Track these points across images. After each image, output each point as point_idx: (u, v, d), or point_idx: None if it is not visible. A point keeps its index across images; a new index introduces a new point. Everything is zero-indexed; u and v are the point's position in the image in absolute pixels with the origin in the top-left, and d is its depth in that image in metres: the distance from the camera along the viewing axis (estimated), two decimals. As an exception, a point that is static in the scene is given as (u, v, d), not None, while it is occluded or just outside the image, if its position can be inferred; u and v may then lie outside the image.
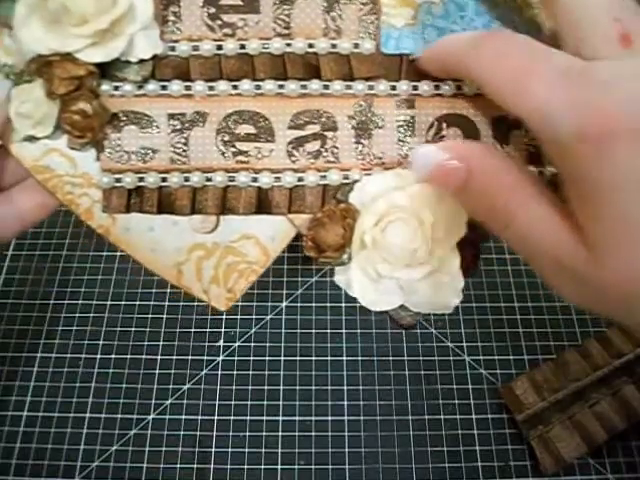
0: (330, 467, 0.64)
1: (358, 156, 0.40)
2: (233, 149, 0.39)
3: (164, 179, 0.39)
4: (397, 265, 0.38)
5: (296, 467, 0.64)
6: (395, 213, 0.37)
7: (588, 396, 0.65)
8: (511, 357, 0.70)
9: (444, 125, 0.40)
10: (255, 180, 0.39)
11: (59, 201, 0.40)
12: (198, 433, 0.66)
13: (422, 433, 0.66)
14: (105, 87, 0.39)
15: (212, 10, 0.39)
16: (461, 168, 0.35)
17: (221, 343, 0.71)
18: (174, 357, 0.70)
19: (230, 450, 0.65)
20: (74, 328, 0.67)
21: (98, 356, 0.70)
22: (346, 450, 0.65)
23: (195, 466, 0.64)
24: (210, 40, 0.39)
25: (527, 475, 0.64)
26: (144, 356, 0.70)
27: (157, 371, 0.69)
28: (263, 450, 0.65)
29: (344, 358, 0.70)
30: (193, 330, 0.72)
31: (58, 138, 0.39)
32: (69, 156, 0.40)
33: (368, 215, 0.38)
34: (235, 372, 0.69)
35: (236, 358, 0.70)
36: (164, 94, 0.39)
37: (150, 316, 0.72)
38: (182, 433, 0.66)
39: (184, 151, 0.39)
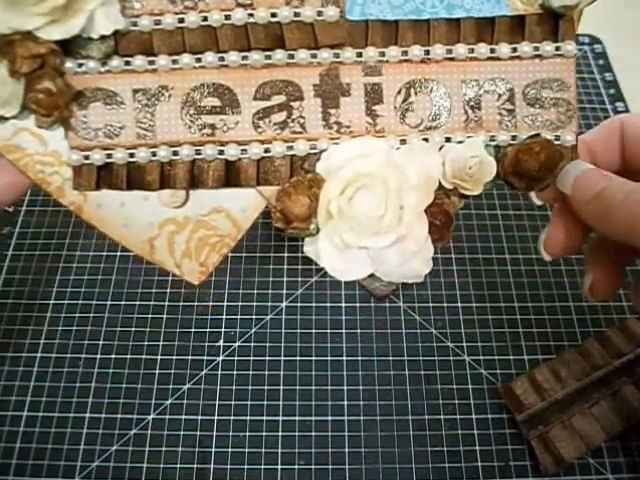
0: (330, 467, 0.63)
1: (325, 125, 0.39)
2: (199, 122, 0.39)
3: (132, 154, 0.39)
4: (364, 234, 0.37)
5: (296, 467, 0.63)
6: (360, 180, 0.37)
7: (588, 396, 0.64)
8: (511, 357, 0.69)
9: (412, 91, 0.39)
10: (222, 153, 0.39)
11: (30, 180, 0.40)
12: (198, 433, 0.65)
13: (422, 433, 0.65)
14: (69, 65, 0.39)
15: None
16: (603, 177, 0.38)
17: (221, 343, 0.71)
18: (174, 357, 0.70)
19: (230, 450, 0.64)
20: (74, 328, 0.67)
21: (98, 356, 0.69)
22: (346, 450, 0.64)
23: (195, 466, 0.63)
24: (172, 13, 0.39)
25: (527, 475, 0.63)
26: (144, 356, 0.70)
27: (157, 371, 0.69)
28: (263, 450, 0.64)
29: (344, 358, 0.69)
30: (193, 330, 0.71)
31: (26, 118, 0.39)
32: (39, 135, 0.40)
33: (333, 183, 0.37)
34: (235, 372, 0.69)
35: (236, 358, 0.70)
36: (128, 70, 0.39)
37: (150, 316, 0.72)
38: (182, 433, 0.65)
39: (150, 126, 0.39)
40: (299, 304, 0.67)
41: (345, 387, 0.68)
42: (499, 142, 0.41)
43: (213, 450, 0.65)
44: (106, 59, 0.40)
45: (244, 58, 0.40)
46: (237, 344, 0.71)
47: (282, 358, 0.69)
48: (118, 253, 0.68)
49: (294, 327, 0.66)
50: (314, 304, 0.67)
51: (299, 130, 0.40)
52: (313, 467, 0.64)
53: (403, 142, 0.40)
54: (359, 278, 0.40)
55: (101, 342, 0.70)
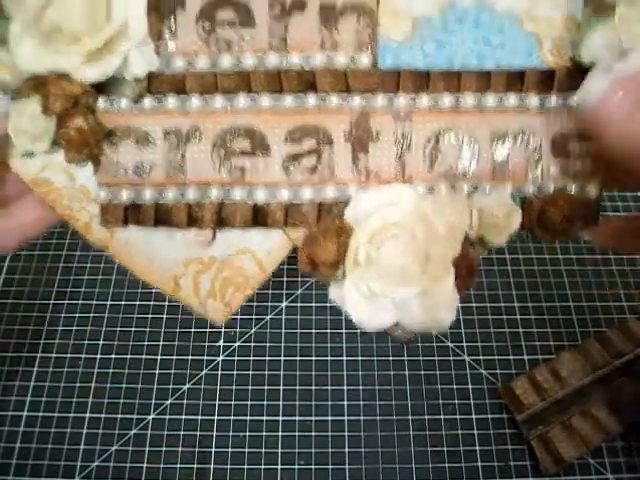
0: (330, 467, 0.64)
1: (354, 171, 0.39)
2: (229, 164, 0.39)
3: (161, 194, 0.39)
4: (390, 283, 0.38)
5: (296, 467, 0.64)
6: (388, 230, 0.37)
7: (588, 396, 0.65)
8: (511, 357, 0.70)
9: (441, 140, 0.40)
10: (251, 195, 0.39)
11: (57, 215, 0.41)
12: (198, 433, 0.66)
13: (422, 433, 0.66)
14: (101, 103, 0.38)
15: (207, 24, 0.39)
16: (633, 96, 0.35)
17: (221, 343, 0.71)
18: (174, 357, 0.70)
19: (230, 450, 0.65)
20: (74, 328, 0.67)
21: (98, 356, 0.70)
22: (346, 450, 0.65)
23: (195, 466, 0.64)
24: (205, 55, 0.39)
25: (527, 475, 0.64)
26: (144, 356, 0.70)
27: (157, 371, 0.69)
28: (263, 450, 0.65)
29: (344, 358, 0.70)
30: (193, 330, 0.72)
31: (56, 152, 0.39)
32: (68, 170, 0.40)
33: (362, 232, 0.38)
34: (235, 372, 0.69)
35: (236, 358, 0.70)
36: (160, 109, 0.39)
37: (150, 316, 0.72)
38: (182, 433, 0.66)
39: (180, 166, 0.39)
40: (299, 304, 0.68)
41: (345, 387, 0.69)
42: (525, 193, 0.41)
43: (213, 450, 0.65)
44: (139, 99, 0.39)
45: (276, 101, 0.40)
46: (237, 344, 0.71)
47: (282, 358, 0.70)
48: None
49: (294, 327, 0.67)
50: (314, 304, 0.68)
51: (328, 175, 0.40)
52: (313, 467, 0.64)
53: (431, 190, 0.41)
54: (384, 326, 0.40)
55: (101, 342, 0.71)
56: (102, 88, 0.39)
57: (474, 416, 0.67)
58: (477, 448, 0.66)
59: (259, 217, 0.41)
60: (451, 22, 0.40)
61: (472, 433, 0.66)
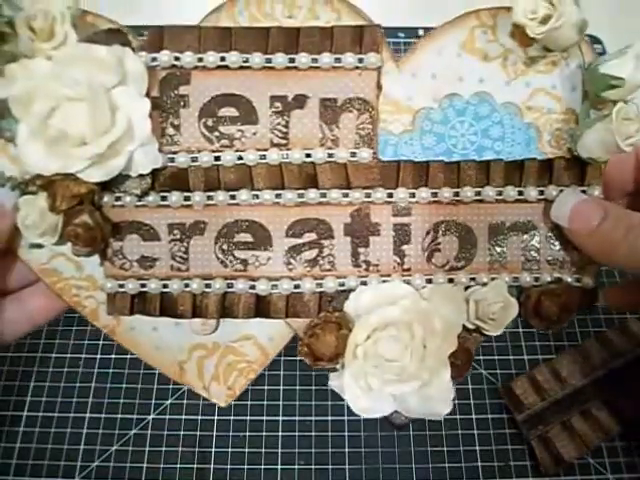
0: (330, 467, 0.64)
1: (354, 263, 0.40)
2: (231, 257, 0.40)
3: (165, 285, 0.40)
4: (388, 379, 0.39)
5: (296, 467, 0.64)
6: (386, 329, 0.38)
7: (588, 396, 0.65)
8: (511, 357, 0.70)
9: (440, 232, 0.40)
10: (253, 287, 0.40)
11: (65, 303, 0.42)
12: (198, 433, 0.66)
13: (422, 433, 0.66)
14: (106, 199, 0.39)
15: (210, 122, 0.39)
16: (600, 208, 0.38)
17: None
18: None
19: (230, 450, 0.65)
20: (74, 328, 0.68)
21: (98, 356, 0.69)
22: (346, 450, 0.65)
23: (195, 466, 0.64)
24: (208, 151, 0.39)
25: (527, 475, 0.64)
26: None
27: (157, 371, 0.68)
28: (263, 450, 0.65)
29: None
30: None
31: (64, 244, 0.40)
32: (74, 260, 0.41)
33: (361, 328, 0.38)
34: None
35: None
36: (164, 205, 0.40)
37: None
38: (182, 433, 0.66)
39: (184, 259, 0.40)
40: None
41: None
42: (522, 283, 0.42)
43: (213, 450, 0.65)
44: (143, 195, 0.40)
45: (277, 196, 0.41)
46: None
47: (282, 358, 0.68)
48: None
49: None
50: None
51: (328, 268, 0.41)
52: (313, 467, 0.64)
53: (429, 281, 0.41)
54: (382, 416, 0.42)
55: (101, 342, 0.70)
56: (107, 183, 0.40)
57: (474, 416, 0.67)
58: (477, 448, 0.65)
59: (261, 307, 0.42)
60: (451, 115, 0.41)
61: (472, 433, 0.66)
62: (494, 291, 0.40)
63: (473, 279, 0.40)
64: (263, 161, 0.39)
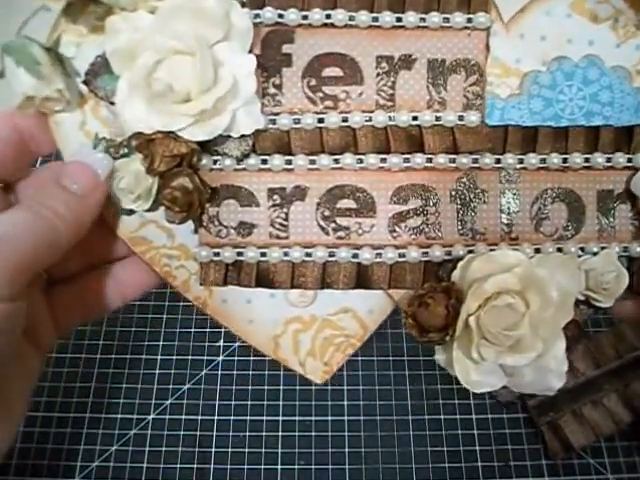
0: (330, 467, 0.64)
1: (460, 231, 0.39)
2: (333, 224, 0.38)
3: (264, 254, 0.38)
4: (502, 350, 0.37)
5: (296, 467, 0.64)
6: (501, 297, 0.37)
7: (599, 387, 0.65)
8: None
9: (548, 199, 0.39)
10: (356, 256, 0.38)
11: (159, 276, 0.40)
12: (198, 433, 0.65)
13: (422, 433, 0.66)
14: (204, 161, 0.37)
15: (313, 82, 0.38)
16: None
17: (221, 343, 0.70)
18: (174, 357, 0.69)
19: (230, 450, 0.65)
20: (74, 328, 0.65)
21: (98, 356, 0.69)
22: (346, 450, 0.65)
23: (195, 466, 0.64)
24: (311, 113, 0.38)
25: (527, 475, 0.64)
26: (144, 356, 0.69)
27: (157, 371, 0.69)
28: (263, 450, 0.65)
29: None
30: (193, 330, 0.71)
31: (156, 209, 0.38)
32: (166, 227, 0.39)
33: (473, 298, 0.37)
34: (235, 372, 0.69)
35: (236, 358, 0.70)
36: (264, 168, 0.38)
37: (150, 316, 0.71)
38: (182, 433, 0.65)
39: (284, 226, 0.38)
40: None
41: (345, 387, 0.68)
42: (632, 253, 0.41)
43: (213, 450, 0.65)
44: (243, 158, 0.38)
45: (383, 161, 0.39)
46: (237, 344, 0.70)
47: None
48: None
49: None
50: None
51: (434, 235, 0.39)
52: (313, 467, 0.64)
53: (537, 251, 0.40)
54: (491, 390, 0.40)
55: (101, 342, 0.70)
56: (205, 144, 0.38)
57: (474, 416, 0.67)
58: (477, 448, 0.65)
59: (362, 278, 0.40)
60: (559, 79, 0.39)
61: (472, 433, 0.66)
62: (606, 260, 0.39)
63: (582, 249, 0.38)
64: (368, 123, 0.37)
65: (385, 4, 0.38)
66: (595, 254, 0.40)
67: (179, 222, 0.39)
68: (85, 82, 0.38)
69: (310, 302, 0.40)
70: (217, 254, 0.39)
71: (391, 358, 0.67)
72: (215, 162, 0.39)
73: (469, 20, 0.39)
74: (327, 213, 0.39)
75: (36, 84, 0.37)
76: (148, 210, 0.39)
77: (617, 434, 0.62)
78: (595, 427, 0.63)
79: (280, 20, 0.38)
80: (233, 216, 0.39)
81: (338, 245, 0.39)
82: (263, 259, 0.39)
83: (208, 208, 0.39)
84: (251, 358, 0.66)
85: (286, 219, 0.39)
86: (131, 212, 0.39)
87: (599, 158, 0.39)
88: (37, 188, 0.36)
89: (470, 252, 0.39)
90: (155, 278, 0.41)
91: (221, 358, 0.68)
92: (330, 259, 0.39)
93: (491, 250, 0.39)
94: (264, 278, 0.40)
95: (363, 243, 0.39)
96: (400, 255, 0.39)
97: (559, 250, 0.40)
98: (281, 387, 0.66)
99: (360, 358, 0.67)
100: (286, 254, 0.39)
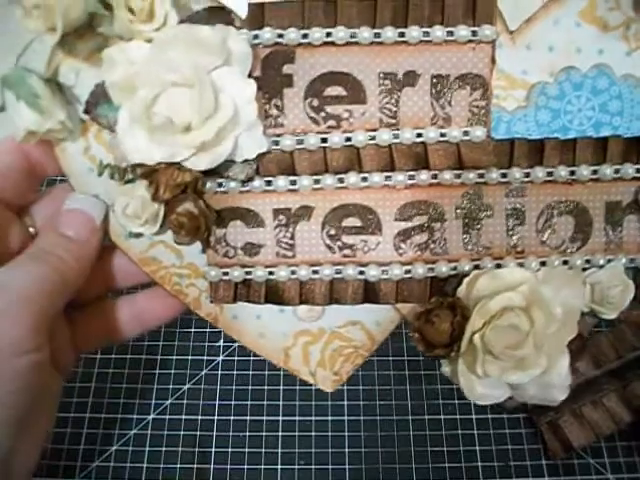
0: (330, 467, 0.64)
1: (466, 246, 0.39)
2: (339, 243, 0.39)
3: (271, 272, 0.39)
4: (507, 367, 0.38)
5: (296, 467, 0.64)
6: (505, 315, 0.37)
7: (599, 387, 0.65)
8: None
9: (555, 212, 0.39)
10: (362, 273, 0.39)
11: (180, 308, 0.41)
12: (198, 433, 0.65)
13: (422, 433, 0.66)
14: (209, 185, 0.38)
15: (316, 102, 0.38)
16: None
17: (221, 343, 0.70)
18: (174, 357, 0.69)
19: (230, 450, 0.65)
20: None
21: (98, 356, 0.69)
22: (346, 450, 0.65)
23: (195, 466, 0.64)
24: (314, 133, 0.38)
25: (527, 475, 0.64)
26: (144, 356, 0.69)
27: (157, 371, 0.68)
28: (263, 450, 0.65)
29: None
30: (193, 330, 0.71)
31: (164, 233, 0.39)
32: (174, 247, 0.39)
33: (478, 315, 0.37)
34: (235, 372, 0.69)
35: (236, 358, 0.69)
36: (269, 190, 0.38)
37: None
38: (182, 433, 0.65)
39: (290, 245, 0.39)
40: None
41: (345, 387, 0.68)
42: (638, 265, 0.41)
43: (213, 450, 0.65)
44: (248, 181, 0.39)
45: (387, 179, 0.39)
46: (237, 344, 0.70)
47: None
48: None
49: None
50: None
51: (440, 251, 0.39)
52: (313, 467, 0.64)
53: (543, 264, 0.40)
54: (497, 402, 0.41)
55: None
56: (210, 171, 0.38)
57: (474, 416, 0.67)
58: (477, 448, 0.65)
59: (370, 293, 0.40)
60: (567, 89, 0.39)
61: (472, 433, 0.66)
62: (612, 274, 0.39)
63: (589, 261, 0.38)
64: (372, 142, 0.37)
65: (388, 19, 0.37)
66: (601, 266, 0.40)
67: (187, 244, 0.40)
68: (86, 111, 0.38)
69: (318, 317, 0.41)
70: (226, 273, 0.40)
71: (391, 358, 0.67)
72: (220, 185, 0.39)
73: (474, 33, 0.38)
74: (333, 232, 0.39)
75: (37, 119, 0.37)
76: (156, 233, 0.39)
77: (617, 434, 0.61)
78: (595, 427, 0.63)
79: (280, 40, 0.38)
80: (240, 237, 0.40)
81: (344, 263, 0.40)
82: (271, 277, 0.40)
83: (215, 230, 0.39)
84: (251, 358, 0.67)
85: (292, 238, 0.39)
86: (139, 235, 0.40)
87: (607, 170, 0.39)
88: (40, 237, 0.38)
89: (476, 267, 0.40)
90: (176, 308, 0.42)
91: (221, 358, 0.68)
92: (337, 276, 0.40)
93: (497, 264, 0.39)
94: (273, 295, 0.40)
95: (369, 260, 0.40)
96: (406, 271, 0.40)
97: (565, 262, 0.40)
98: (281, 387, 0.66)
99: (360, 358, 0.65)
100: (293, 272, 0.40)
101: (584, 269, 0.40)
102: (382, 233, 0.39)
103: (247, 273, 0.39)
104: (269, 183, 0.38)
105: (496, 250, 0.40)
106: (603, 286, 0.39)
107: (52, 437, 0.62)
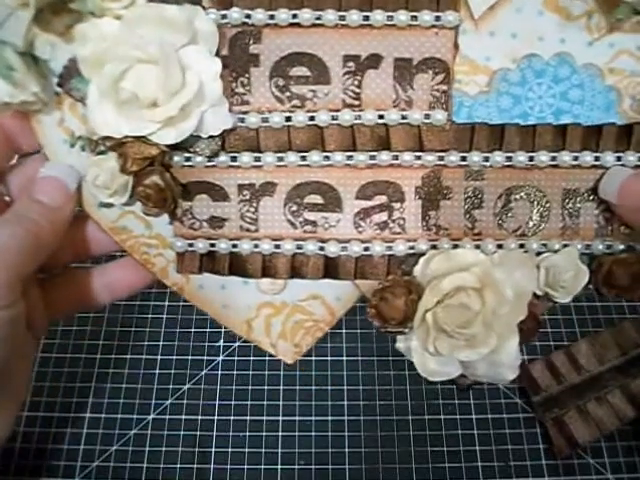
0: (330, 467, 0.64)
1: (424, 227, 0.40)
2: (301, 219, 0.40)
3: (235, 245, 0.40)
4: (457, 345, 0.39)
5: (296, 467, 0.64)
6: (457, 295, 0.38)
7: (604, 383, 0.65)
8: None
9: (513, 197, 0.40)
10: (322, 249, 0.40)
11: (148, 280, 0.43)
12: (198, 433, 0.66)
13: (422, 433, 0.66)
14: (176, 159, 0.39)
15: (281, 82, 0.39)
16: None
17: (221, 343, 0.71)
18: (174, 357, 0.70)
19: (230, 450, 0.65)
20: (74, 328, 0.68)
21: (98, 356, 0.70)
22: (346, 450, 0.65)
23: (195, 466, 0.64)
24: (279, 112, 0.39)
25: (527, 475, 0.64)
26: (144, 356, 0.70)
27: (157, 371, 0.69)
28: (263, 450, 0.65)
29: (344, 358, 0.69)
30: (193, 330, 0.71)
31: (134, 203, 0.40)
32: (144, 218, 0.41)
33: (431, 294, 0.38)
34: (235, 372, 0.69)
35: (236, 358, 0.70)
36: (234, 165, 0.39)
37: (150, 316, 0.72)
38: (182, 433, 0.66)
39: (253, 220, 0.40)
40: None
41: (345, 387, 0.69)
42: (594, 251, 0.41)
43: (213, 450, 0.65)
44: (213, 156, 0.40)
45: (349, 158, 0.40)
46: (237, 344, 0.71)
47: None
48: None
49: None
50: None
51: (398, 231, 0.40)
52: (313, 467, 0.64)
53: (500, 247, 0.41)
54: (448, 378, 0.42)
55: (101, 342, 0.70)
56: (177, 145, 0.40)
57: (474, 416, 0.67)
58: (477, 448, 0.66)
59: (330, 269, 0.42)
60: (529, 76, 0.40)
61: (472, 433, 0.66)
62: (566, 259, 0.40)
63: (545, 245, 0.39)
64: (335, 122, 0.38)
65: (354, 2, 0.38)
66: (557, 251, 0.41)
67: (155, 215, 0.41)
68: (59, 84, 0.39)
69: (280, 290, 0.42)
70: (191, 245, 0.41)
71: (391, 358, 0.68)
72: (187, 159, 0.40)
73: (437, 18, 0.38)
74: (295, 208, 0.41)
75: (11, 90, 0.38)
76: (125, 204, 0.41)
77: (617, 434, 0.63)
78: (599, 423, 0.63)
79: (247, 20, 0.38)
80: (205, 210, 0.41)
81: (306, 238, 0.41)
82: (235, 250, 0.41)
83: (181, 202, 0.41)
84: (251, 358, 0.67)
85: (256, 213, 0.41)
86: (110, 205, 0.41)
87: (566, 157, 0.40)
88: (15, 203, 0.39)
89: (434, 247, 0.41)
90: (144, 279, 0.44)
91: (221, 358, 0.68)
92: (298, 251, 0.41)
93: (454, 245, 0.40)
94: (237, 267, 0.42)
95: (329, 237, 0.41)
96: (365, 249, 0.41)
97: (521, 246, 0.41)
98: (281, 387, 0.66)
99: (360, 358, 0.68)
100: (256, 246, 0.41)
101: (540, 253, 0.40)
102: (342, 211, 0.40)
103: (212, 245, 0.41)
104: (234, 159, 0.39)
105: (454, 231, 0.41)
106: (557, 270, 0.40)
107: (52, 437, 0.63)
